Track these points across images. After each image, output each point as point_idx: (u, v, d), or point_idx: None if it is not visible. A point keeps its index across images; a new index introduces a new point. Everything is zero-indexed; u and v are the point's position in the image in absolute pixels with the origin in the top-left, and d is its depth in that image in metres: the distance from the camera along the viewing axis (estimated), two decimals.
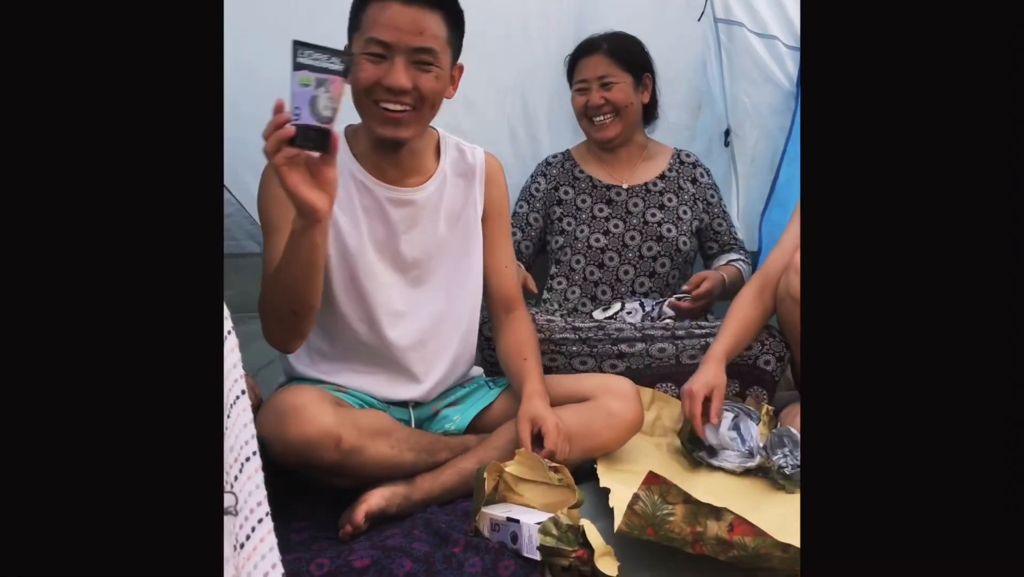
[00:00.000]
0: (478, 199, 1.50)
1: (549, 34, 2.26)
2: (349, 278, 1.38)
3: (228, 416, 0.68)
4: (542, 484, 1.24)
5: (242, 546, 0.68)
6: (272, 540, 0.71)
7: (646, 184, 2.03)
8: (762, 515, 1.19)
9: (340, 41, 2.39)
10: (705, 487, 1.34)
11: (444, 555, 1.10)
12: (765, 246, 2.09)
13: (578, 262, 1.97)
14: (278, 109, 1.06)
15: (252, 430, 0.70)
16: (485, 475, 1.21)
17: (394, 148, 1.38)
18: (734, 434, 1.45)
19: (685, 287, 1.89)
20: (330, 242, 1.32)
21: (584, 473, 1.37)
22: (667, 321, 1.84)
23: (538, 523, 1.11)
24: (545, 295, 1.98)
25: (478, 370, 1.61)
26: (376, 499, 1.25)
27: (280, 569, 0.72)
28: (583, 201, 2.01)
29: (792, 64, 2.20)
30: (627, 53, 1.97)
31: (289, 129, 1.04)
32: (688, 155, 2.11)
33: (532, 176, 2.07)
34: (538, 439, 1.32)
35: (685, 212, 2.01)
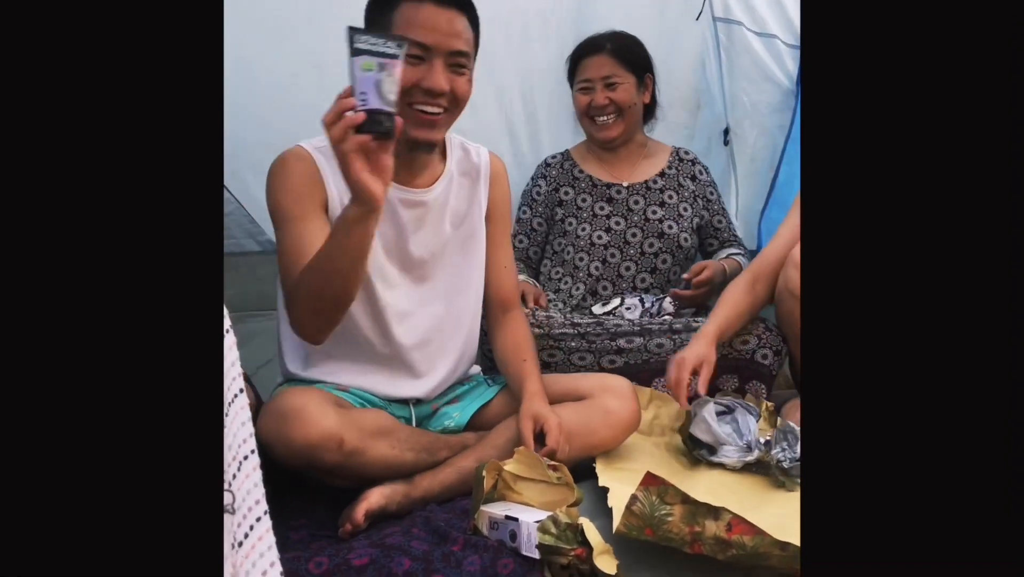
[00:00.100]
0: (483, 199, 1.51)
1: (548, 34, 2.26)
2: None
3: (226, 414, 0.68)
4: (541, 482, 1.24)
5: (240, 544, 0.68)
6: (270, 538, 0.72)
7: (646, 182, 2.03)
8: (761, 514, 1.19)
9: (342, 41, 2.40)
10: (705, 485, 1.34)
11: (443, 553, 1.10)
12: (764, 245, 2.10)
13: (581, 260, 1.98)
14: (344, 95, 1.05)
15: (250, 428, 0.70)
16: (484, 473, 1.21)
17: (427, 150, 1.38)
18: (730, 429, 1.45)
19: (685, 275, 1.90)
20: None
21: (583, 471, 1.37)
22: (666, 317, 1.84)
23: (537, 521, 1.11)
24: (551, 296, 1.98)
25: (476, 368, 1.61)
26: (376, 498, 1.25)
27: (278, 567, 0.72)
28: (583, 200, 2.02)
29: (792, 62, 2.20)
30: (630, 53, 1.98)
31: (359, 115, 1.03)
32: (687, 153, 2.11)
33: (532, 179, 2.08)
34: (539, 438, 1.33)
35: (686, 209, 2.02)
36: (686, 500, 1.10)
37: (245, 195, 2.50)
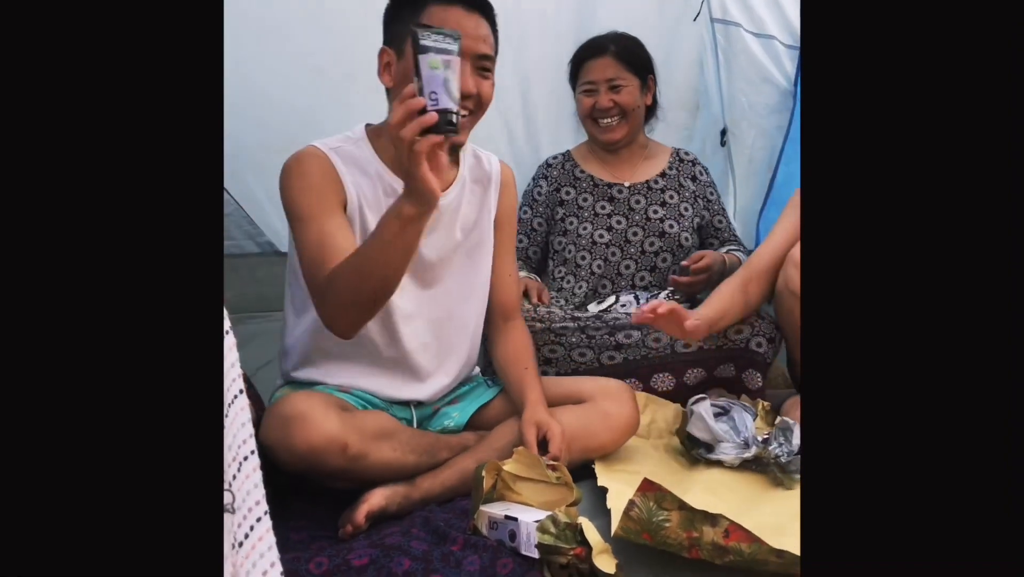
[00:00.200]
0: (492, 207, 1.51)
1: (547, 35, 2.27)
2: None
3: (226, 415, 0.68)
4: (540, 482, 1.24)
5: (240, 545, 0.68)
6: (271, 539, 0.72)
7: (647, 182, 2.04)
8: (759, 516, 1.19)
9: (341, 42, 2.40)
10: (704, 485, 1.35)
11: (442, 553, 1.10)
12: None
13: (583, 258, 1.99)
14: (410, 95, 1.04)
15: (250, 429, 0.71)
16: (483, 473, 1.22)
17: (452, 152, 1.39)
18: (727, 427, 1.46)
19: (684, 262, 1.90)
20: (357, 240, 1.32)
21: (581, 471, 1.37)
22: None
23: (536, 521, 1.12)
24: (553, 294, 1.98)
25: (476, 369, 1.62)
26: (377, 499, 1.25)
27: (279, 567, 0.72)
28: (585, 200, 2.02)
29: (790, 63, 2.21)
30: (634, 56, 1.98)
31: (432, 115, 1.03)
32: (687, 153, 2.12)
33: (533, 179, 2.08)
34: (541, 444, 1.33)
35: (686, 209, 2.03)
36: (683, 506, 1.10)
37: (244, 196, 2.50)
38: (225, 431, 0.67)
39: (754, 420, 1.50)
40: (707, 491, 1.31)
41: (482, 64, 1.32)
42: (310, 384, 1.41)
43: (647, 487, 1.11)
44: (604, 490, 1.28)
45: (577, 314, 1.81)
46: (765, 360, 1.73)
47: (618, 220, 2.00)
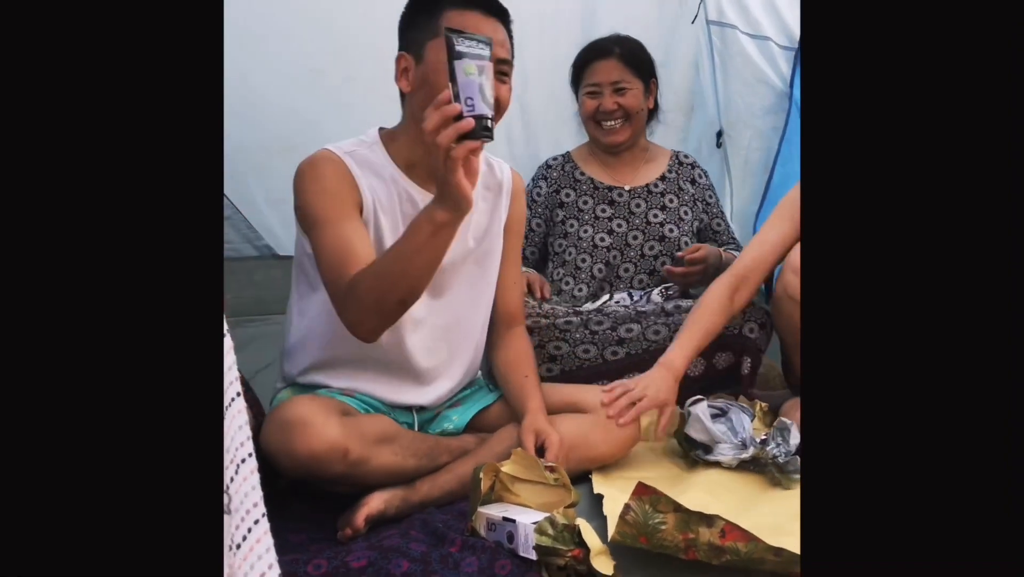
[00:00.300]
0: (503, 214, 1.51)
1: (545, 37, 2.27)
2: None
3: (224, 418, 0.68)
4: (538, 484, 1.24)
5: (238, 547, 0.68)
6: (268, 541, 0.72)
7: (647, 185, 2.04)
8: (756, 516, 1.19)
9: (340, 45, 2.41)
10: (702, 486, 1.35)
11: (441, 555, 1.10)
12: None
13: (584, 261, 1.99)
14: (445, 100, 1.04)
15: (248, 431, 0.71)
16: (481, 475, 1.22)
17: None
18: (724, 428, 1.46)
19: (680, 253, 1.90)
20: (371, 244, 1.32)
21: (580, 475, 1.38)
22: (656, 300, 1.86)
23: (534, 523, 1.12)
24: (553, 297, 1.99)
25: (477, 372, 1.62)
26: (376, 502, 1.26)
27: (277, 569, 0.72)
28: (585, 203, 2.02)
29: (785, 65, 2.21)
30: (638, 59, 1.98)
31: (469, 121, 1.03)
32: (686, 156, 2.12)
33: (533, 180, 2.08)
34: (539, 452, 1.34)
35: (686, 213, 2.03)
36: (679, 508, 1.10)
37: (242, 200, 2.51)
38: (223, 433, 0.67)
39: (752, 421, 1.50)
40: (705, 492, 1.31)
41: (501, 69, 1.32)
42: (313, 387, 1.41)
43: (642, 491, 1.11)
44: (601, 497, 1.28)
45: (579, 308, 1.82)
46: (757, 346, 1.74)
47: (618, 223, 2.00)
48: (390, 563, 1.07)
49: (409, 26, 1.36)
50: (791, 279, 1.59)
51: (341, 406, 1.33)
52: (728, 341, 1.72)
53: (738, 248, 2.07)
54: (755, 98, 2.24)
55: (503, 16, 1.35)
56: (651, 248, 1.99)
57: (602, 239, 1.99)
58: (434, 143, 1.05)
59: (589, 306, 1.91)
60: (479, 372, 1.61)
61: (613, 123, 1.98)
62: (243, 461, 0.69)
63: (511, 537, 1.14)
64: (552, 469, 1.24)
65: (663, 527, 1.10)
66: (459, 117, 1.03)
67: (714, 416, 1.50)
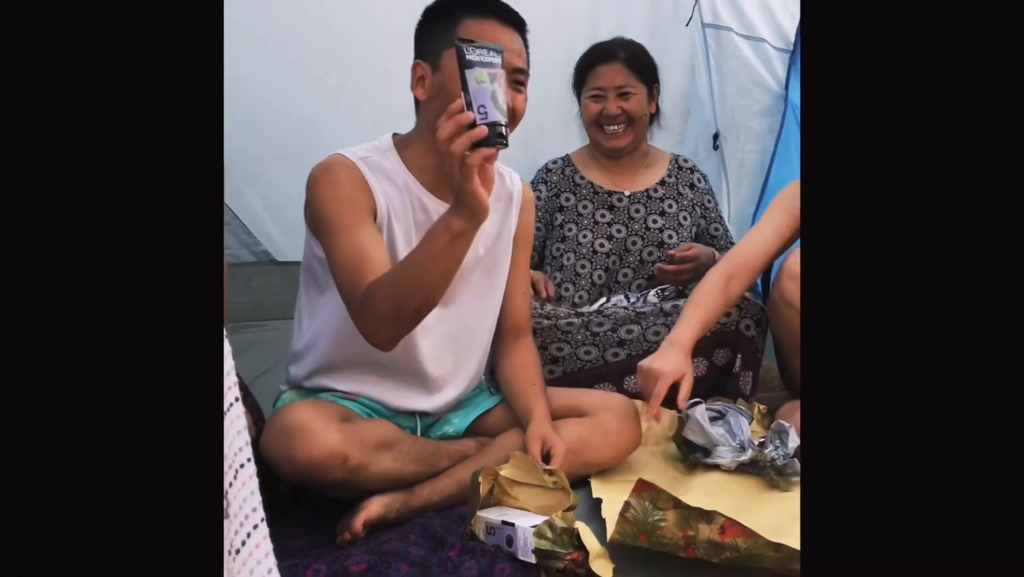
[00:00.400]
0: (512, 224, 1.51)
1: (542, 40, 2.27)
2: None
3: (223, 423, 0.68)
4: (537, 487, 1.24)
5: (237, 552, 0.69)
6: (268, 546, 0.72)
7: (647, 191, 2.04)
8: (756, 517, 1.20)
9: (337, 51, 2.41)
10: (701, 489, 1.35)
11: (440, 559, 1.10)
12: None
13: (583, 267, 1.99)
14: (458, 109, 1.05)
15: (246, 437, 0.71)
16: (480, 479, 1.22)
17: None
18: (723, 431, 1.46)
19: (671, 252, 1.90)
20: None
21: (579, 480, 1.38)
22: (653, 301, 1.87)
23: (533, 526, 1.12)
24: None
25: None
26: (375, 507, 1.26)
27: (276, 574, 0.72)
28: (584, 207, 2.02)
29: (780, 66, 2.22)
30: (643, 64, 1.98)
31: (482, 129, 1.04)
32: (686, 161, 2.12)
33: (532, 183, 2.08)
34: (545, 459, 1.34)
35: (685, 218, 2.03)
36: (678, 505, 1.10)
37: (240, 206, 2.51)
38: None
39: (750, 424, 1.50)
40: (704, 494, 1.31)
41: (516, 78, 1.33)
42: (316, 390, 1.41)
43: (642, 488, 1.12)
44: (600, 500, 1.28)
45: (580, 310, 1.83)
46: (754, 344, 1.75)
47: (618, 229, 2.00)
48: (389, 567, 1.07)
49: (426, 34, 1.36)
50: (787, 285, 1.59)
51: (341, 411, 1.33)
52: (726, 338, 1.73)
53: None
54: (751, 100, 2.24)
55: (520, 25, 1.36)
56: (650, 254, 1.99)
57: (601, 244, 1.99)
58: (448, 152, 1.06)
59: (588, 308, 1.91)
60: (482, 377, 1.61)
61: (616, 128, 1.97)
62: (241, 466, 0.70)
63: (510, 541, 1.14)
64: (551, 472, 1.24)
65: (663, 524, 1.10)
66: (473, 125, 1.04)
67: (712, 419, 1.50)
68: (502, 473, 1.24)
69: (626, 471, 1.45)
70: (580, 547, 1.10)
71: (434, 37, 1.33)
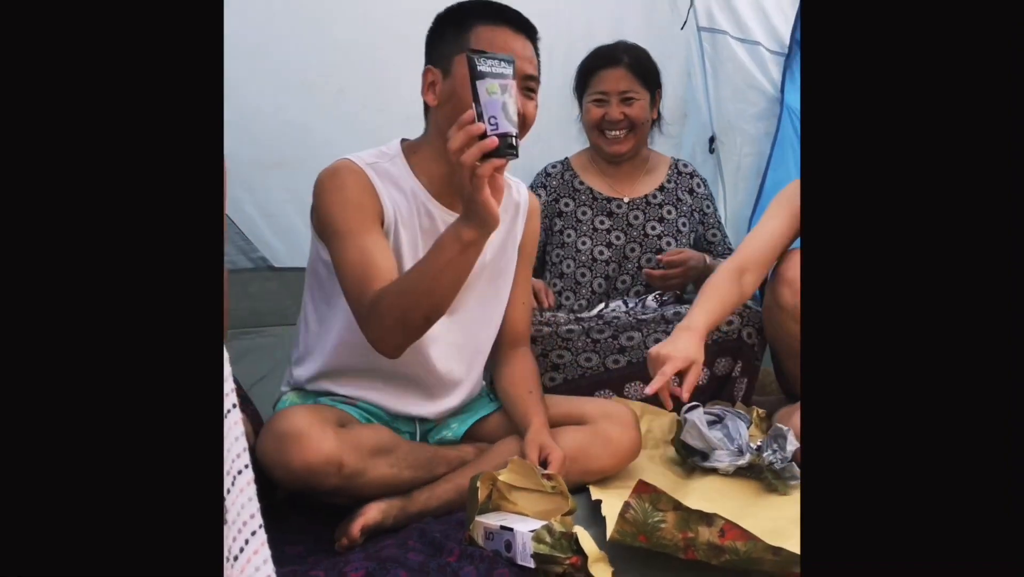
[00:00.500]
0: (518, 234, 1.52)
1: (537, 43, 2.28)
2: None
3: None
4: (535, 492, 1.24)
5: (235, 559, 0.69)
6: (266, 552, 0.72)
7: (646, 197, 2.03)
8: (755, 520, 1.20)
9: (333, 57, 2.41)
10: (700, 493, 1.35)
11: (439, 565, 1.10)
12: None
13: (583, 275, 1.98)
14: (469, 120, 1.06)
15: (244, 443, 0.71)
16: (478, 484, 1.22)
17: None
18: (721, 435, 1.46)
19: (659, 257, 1.90)
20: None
21: (578, 487, 1.37)
22: (651, 305, 1.87)
23: (532, 531, 1.12)
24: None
25: None
26: (373, 513, 1.25)
27: None
28: (583, 213, 2.02)
29: (776, 70, 2.23)
30: (646, 69, 1.97)
31: (493, 140, 1.05)
32: (685, 165, 2.11)
33: (531, 187, 2.08)
34: (543, 465, 1.33)
35: (684, 224, 2.03)
36: (678, 507, 1.10)
37: (237, 212, 2.50)
38: None
39: (748, 427, 1.50)
40: (703, 498, 1.31)
41: (528, 85, 1.34)
42: (316, 393, 1.41)
43: (642, 488, 1.12)
44: (599, 502, 1.28)
45: (580, 316, 1.82)
46: (755, 352, 1.75)
47: (617, 236, 2.00)
48: (388, 573, 1.07)
49: (437, 40, 1.36)
50: (781, 289, 1.59)
51: (339, 416, 1.33)
52: (728, 346, 1.72)
53: None
54: (746, 103, 2.25)
55: (531, 33, 1.36)
56: (648, 260, 1.99)
57: (601, 252, 1.98)
58: (459, 162, 1.06)
59: (587, 314, 1.91)
60: (482, 383, 1.61)
61: (618, 133, 1.96)
62: (239, 473, 0.70)
63: (509, 546, 1.14)
64: (549, 477, 1.24)
65: (663, 525, 1.10)
66: (483, 136, 1.05)
67: (710, 423, 1.50)
68: (500, 478, 1.24)
69: (624, 476, 1.45)
70: (579, 551, 1.10)
71: (446, 43, 1.33)
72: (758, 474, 1.42)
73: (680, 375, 1.36)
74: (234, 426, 0.69)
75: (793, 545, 1.05)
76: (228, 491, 0.68)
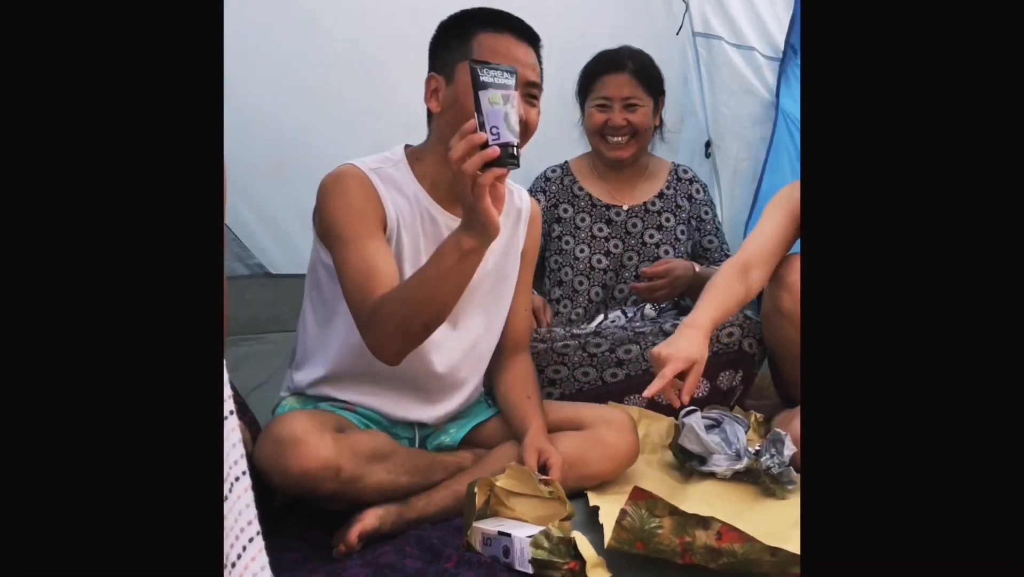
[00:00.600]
0: (520, 241, 1.52)
1: None
2: None
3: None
4: (533, 497, 1.24)
5: (233, 565, 0.68)
6: (264, 559, 0.72)
7: (645, 204, 2.02)
8: (752, 524, 1.20)
9: (331, 62, 2.41)
10: (697, 497, 1.35)
11: (437, 571, 1.10)
12: None
13: (581, 284, 1.97)
14: (471, 129, 1.07)
15: (241, 450, 0.71)
16: (476, 490, 1.22)
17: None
18: (719, 439, 1.46)
19: (643, 269, 1.89)
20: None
21: (576, 493, 1.37)
22: (649, 313, 1.86)
23: (529, 536, 1.12)
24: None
25: None
26: (370, 519, 1.25)
27: None
28: (582, 220, 2.01)
29: (771, 74, 2.23)
30: (649, 75, 1.96)
31: (494, 149, 1.05)
32: (686, 171, 2.09)
33: (531, 191, 2.07)
34: (542, 470, 1.33)
35: (682, 232, 2.02)
36: (675, 512, 1.10)
37: (234, 218, 2.50)
38: None
39: (746, 432, 1.50)
40: (701, 502, 1.32)
41: (530, 92, 1.34)
42: (316, 398, 1.41)
43: (638, 495, 1.12)
44: (596, 508, 1.28)
45: (576, 331, 1.81)
46: (755, 360, 1.75)
47: (615, 243, 1.99)
48: None
49: (440, 48, 1.37)
50: (781, 294, 1.59)
51: (336, 422, 1.33)
52: (730, 358, 1.72)
53: None
54: (742, 108, 2.25)
55: (534, 40, 1.37)
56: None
57: (599, 260, 1.97)
58: (460, 171, 1.07)
59: (586, 327, 1.90)
60: (481, 389, 1.61)
61: (619, 139, 1.95)
62: (237, 479, 0.70)
63: (507, 551, 1.14)
64: (547, 482, 1.24)
65: (659, 531, 1.10)
66: (485, 145, 1.06)
67: (708, 427, 1.50)
68: (498, 484, 1.24)
69: (622, 481, 1.45)
70: (577, 556, 1.10)
71: (449, 51, 1.34)
72: (756, 478, 1.42)
73: (682, 376, 1.34)
74: (231, 432, 0.69)
75: (790, 546, 1.05)
76: (225, 497, 0.68)
